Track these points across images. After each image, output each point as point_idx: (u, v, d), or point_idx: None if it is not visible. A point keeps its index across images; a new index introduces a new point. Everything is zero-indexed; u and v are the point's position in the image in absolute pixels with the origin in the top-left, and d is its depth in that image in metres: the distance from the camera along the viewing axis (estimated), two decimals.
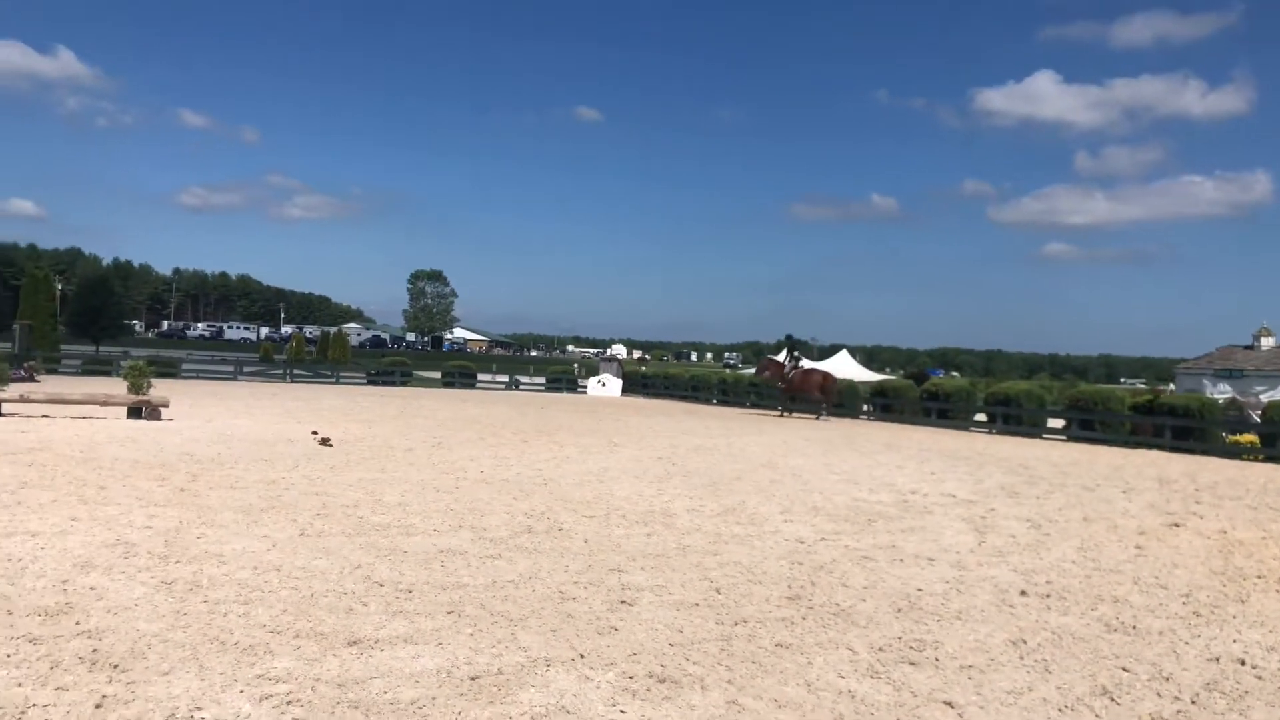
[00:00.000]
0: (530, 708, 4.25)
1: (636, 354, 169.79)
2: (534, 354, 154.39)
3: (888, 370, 79.22)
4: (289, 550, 7.16)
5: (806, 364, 35.34)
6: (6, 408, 17.49)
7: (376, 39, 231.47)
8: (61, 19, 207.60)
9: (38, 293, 44.08)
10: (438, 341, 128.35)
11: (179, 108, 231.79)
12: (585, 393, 42.72)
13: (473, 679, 4.56)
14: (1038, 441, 24.46)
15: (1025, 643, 5.69)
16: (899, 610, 6.34)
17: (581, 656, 5.01)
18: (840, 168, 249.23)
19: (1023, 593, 7.00)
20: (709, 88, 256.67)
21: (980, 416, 28.94)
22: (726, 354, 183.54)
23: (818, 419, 29.80)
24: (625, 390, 42.89)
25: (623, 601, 6.18)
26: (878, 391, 33.50)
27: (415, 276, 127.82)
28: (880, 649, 5.45)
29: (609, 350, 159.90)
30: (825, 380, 31.45)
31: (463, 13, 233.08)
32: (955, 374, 79.69)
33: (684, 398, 40.35)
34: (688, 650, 5.22)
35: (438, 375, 45.98)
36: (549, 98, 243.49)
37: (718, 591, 6.61)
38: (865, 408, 32.53)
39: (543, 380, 46.56)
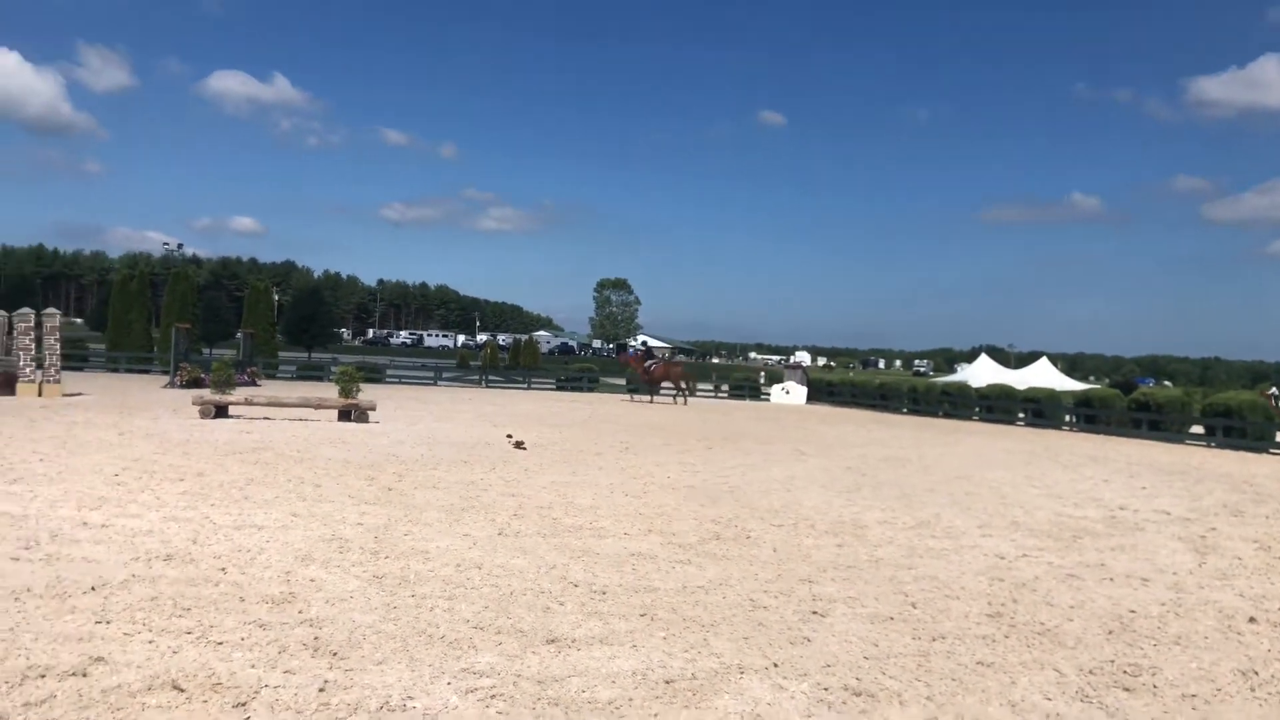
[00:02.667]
0: (725, 714, 4.25)
1: (821, 361, 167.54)
2: (716, 360, 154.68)
3: (1091, 379, 74.96)
4: (488, 549, 7.44)
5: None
6: (233, 410, 18.96)
7: (566, 55, 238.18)
8: (278, 48, 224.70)
9: (258, 303, 47.55)
10: (622, 348, 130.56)
11: (382, 126, 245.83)
12: (769, 400, 42.43)
13: (668, 682, 4.60)
14: (1264, 457, 22.54)
15: (1257, 674, 5.26)
16: (1110, 632, 5.98)
17: (775, 665, 4.97)
18: (1036, 166, 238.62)
19: (1251, 619, 6.47)
20: (897, 87, 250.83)
21: (1197, 429, 26.93)
22: (916, 361, 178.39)
23: (675, 402, 35.69)
24: (810, 398, 42.31)
25: (814, 612, 6.10)
26: (1081, 401, 31.71)
27: (601, 285, 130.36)
28: (1090, 672, 5.16)
29: (793, 357, 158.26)
30: (679, 370, 38.39)
31: (646, 24, 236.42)
32: (1167, 383, 74.48)
33: (872, 406, 39.44)
34: (883, 664, 5.10)
35: (623, 381, 46.74)
36: (733, 104, 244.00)
37: (913, 606, 6.42)
38: (1067, 419, 30.89)
39: (726, 387, 46.56)
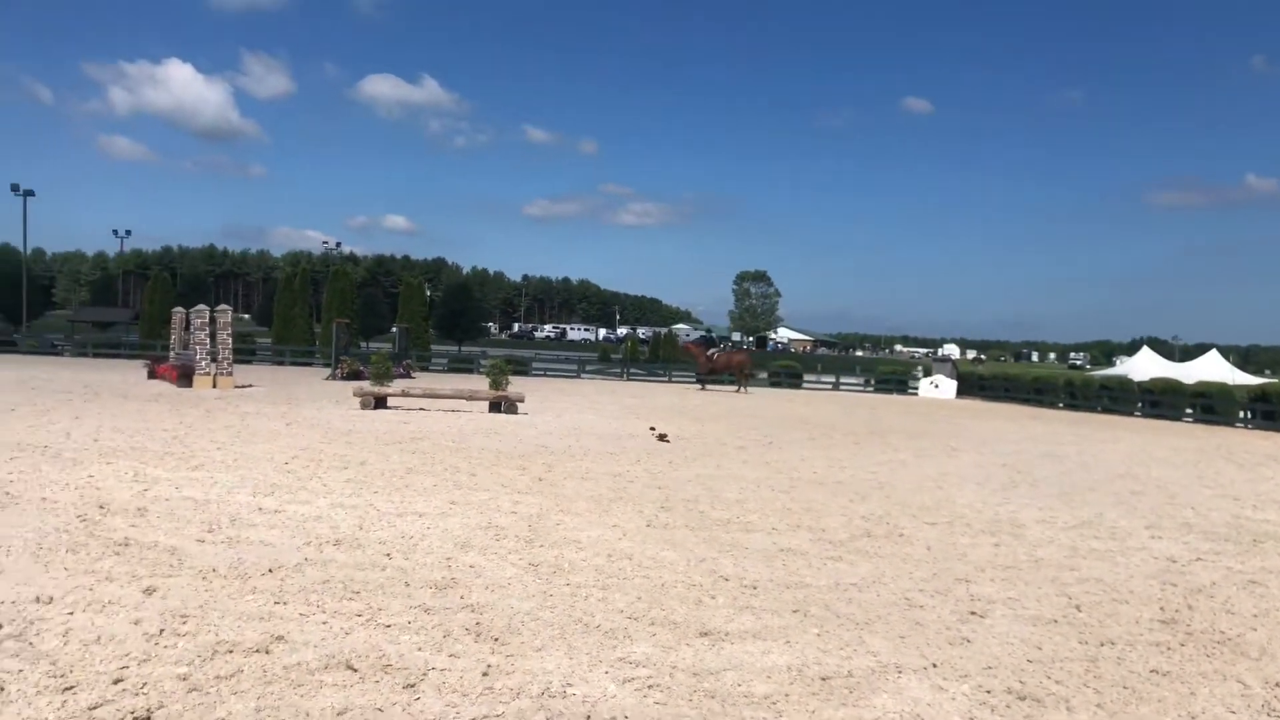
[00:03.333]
0: (884, 713, 4.18)
1: (970, 354, 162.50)
2: (859, 354, 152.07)
3: (1267, 373, 70.24)
4: (638, 540, 7.52)
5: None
6: (391, 401, 19.74)
7: (703, 49, 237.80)
8: (427, 52, 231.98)
9: (412, 299, 49.34)
10: (762, 341, 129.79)
11: (525, 124, 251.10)
12: (916, 394, 41.42)
13: (823, 679, 4.56)
14: None
15: None
16: None
17: (934, 666, 4.86)
18: (1206, 148, 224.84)
19: None
20: (1050, 69, 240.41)
21: None
22: (1072, 354, 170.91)
23: (738, 391, 35.83)
24: (960, 392, 41.08)
25: (973, 613, 5.93)
26: (1258, 396, 29.74)
27: (740, 278, 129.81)
28: (1278, 685, 4.84)
29: (940, 350, 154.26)
30: (743, 359, 38.34)
31: (784, 13, 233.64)
32: None
33: (1025, 401, 38.01)
34: (1049, 668, 4.91)
35: (764, 375, 46.45)
36: (876, 91, 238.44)
37: (1078, 609, 6.16)
38: (1242, 415, 29.04)
39: (871, 381, 45.70)
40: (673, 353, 67.07)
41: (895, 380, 44.55)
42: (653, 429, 17.17)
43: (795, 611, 5.72)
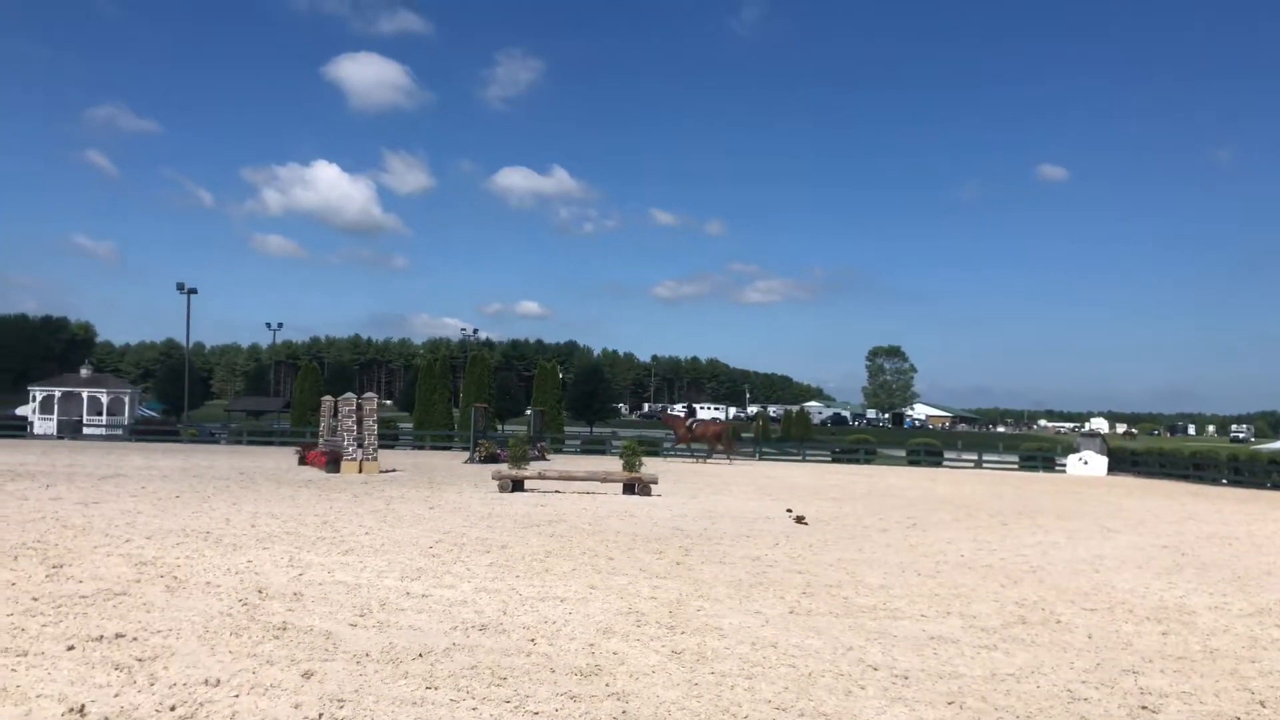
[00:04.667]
0: None
1: (1121, 428, 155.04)
2: (1001, 430, 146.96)
3: None
4: (781, 627, 7.37)
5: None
6: (528, 484, 20.05)
7: (827, 124, 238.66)
8: (556, 142, 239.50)
9: (546, 382, 50.35)
10: (898, 418, 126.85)
11: (652, 208, 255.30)
12: (1064, 471, 39.65)
13: None
14: None
15: None
16: None
17: None
18: None
19: None
20: (1194, 129, 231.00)
21: None
22: (1234, 426, 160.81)
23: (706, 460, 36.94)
24: (1111, 469, 39.14)
25: (1144, 707, 5.57)
26: None
27: (873, 353, 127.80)
28: None
29: (1088, 424, 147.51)
30: (719, 429, 39.24)
31: (912, 88, 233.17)
32: None
33: (1184, 477, 35.91)
34: None
35: (902, 453, 45.33)
36: (1008, 160, 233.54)
37: (1262, 704, 5.72)
38: None
39: (1014, 458, 44.02)
40: (805, 431, 66.24)
41: (1041, 457, 42.83)
42: (790, 510, 16.92)
43: (950, 703, 5.49)
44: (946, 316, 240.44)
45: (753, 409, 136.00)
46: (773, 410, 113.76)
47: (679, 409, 50.50)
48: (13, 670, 5.27)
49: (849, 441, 48.66)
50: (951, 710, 5.37)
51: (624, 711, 5.06)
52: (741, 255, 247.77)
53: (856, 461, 42.08)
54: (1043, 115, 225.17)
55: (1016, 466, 42.38)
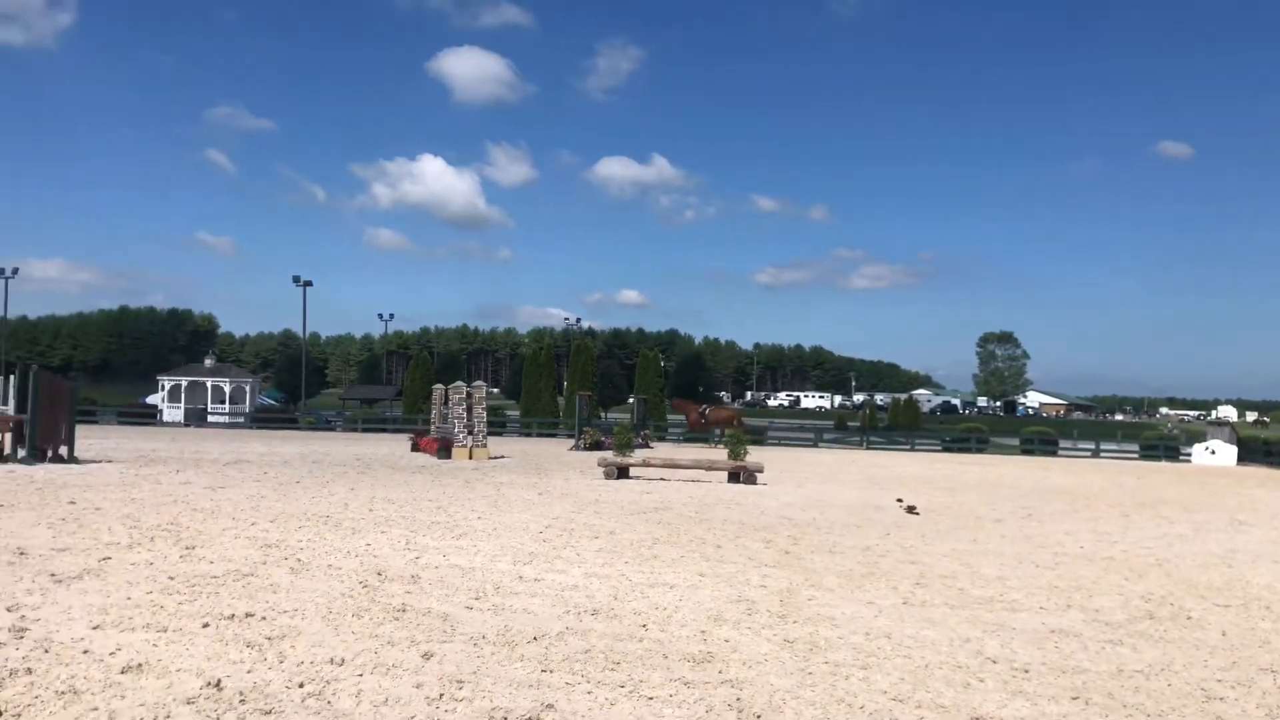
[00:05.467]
0: None
1: (1251, 416, 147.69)
2: (1119, 418, 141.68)
3: None
4: (895, 618, 7.26)
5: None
6: (633, 471, 20.17)
7: (934, 104, 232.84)
8: (656, 131, 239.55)
9: (648, 370, 50.58)
10: (1010, 406, 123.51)
11: (753, 194, 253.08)
12: (1189, 461, 38.00)
13: None
14: None
15: None
16: None
17: None
18: None
19: None
20: None
21: None
22: None
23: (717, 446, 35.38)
24: (1241, 459, 37.34)
25: None
26: None
27: (984, 339, 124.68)
28: None
29: (1215, 412, 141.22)
30: (730, 416, 39.25)
31: (1022, 61, 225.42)
32: None
33: None
34: None
35: (1014, 441, 44.10)
36: (1127, 137, 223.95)
37: None
38: None
39: (1135, 447, 42.38)
40: (914, 419, 65.05)
41: (1164, 446, 41.13)
42: (900, 500, 16.63)
43: (1075, 699, 5.31)
44: (1060, 301, 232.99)
45: (859, 397, 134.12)
46: (880, 399, 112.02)
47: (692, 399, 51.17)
48: (154, 645, 5.54)
49: (960, 430, 47.60)
50: (1076, 706, 5.20)
51: (738, 699, 5.04)
52: (846, 241, 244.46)
53: (968, 451, 41.12)
54: (1164, 89, 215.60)
55: (1137, 456, 40.78)
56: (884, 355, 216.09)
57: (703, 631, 6.55)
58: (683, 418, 42.95)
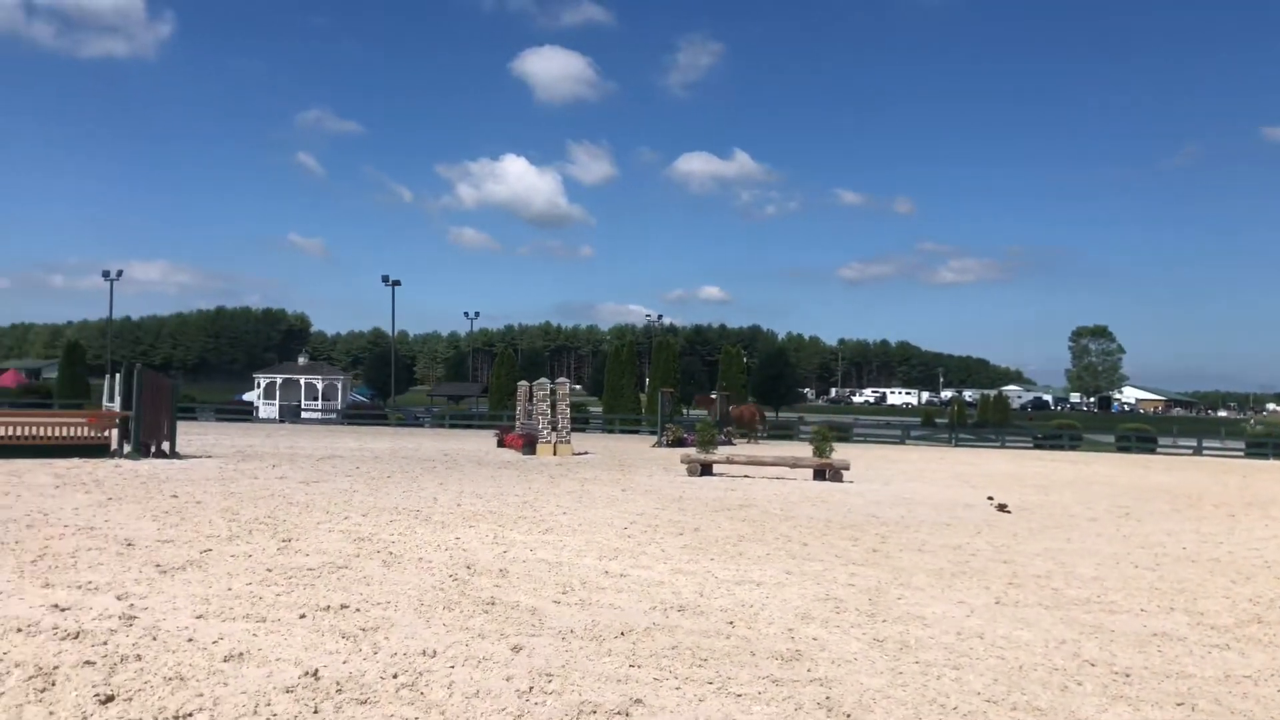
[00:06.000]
0: None
1: None
2: (1223, 414, 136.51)
3: None
4: (987, 618, 7.10)
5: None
6: (716, 468, 20.12)
7: (1022, 92, 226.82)
8: (737, 125, 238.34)
9: (731, 367, 50.49)
10: (1105, 402, 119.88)
11: (837, 189, 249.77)
12: None
13: None
14: None
15: None
16: None
17: None
18: None
19: None
20: None
21: None
22: None
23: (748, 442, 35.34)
24: None
25: None
26: None
27: (1077, 334, 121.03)
28: None
29: None
30: (753, 411, 38.78)
31: (1118, 48, 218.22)
32: None
33: None
34: None
35: (1110, 439, 42.84)
36: (1227, 122, 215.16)
37: None
38: None
39: (1240, 444, 40.78)
40: (1004, 416, 63.62)
41: (1273, 444, 39.48)
42: (990, 498, 16.28)
43: (1180, 705, 5.13)
44: (1157, 294, 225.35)
45: (947, 393, 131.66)
46: (968, 395, 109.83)
47: (713, 391, 51.26)
48: (254, 635, 5.72)
49: (1052, 427, 46.45)
50: (1181, 712, 5.02)
51: (827, 697, 4.99)
52: (932, 234, 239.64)
53: (1060, 448, 40.07)
54: (1264, 73, 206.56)
55: (1242, 454, 39.25)
56: (973, 351, 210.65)
57: (790, 629, 6.49)
58: (771, 414, 42.83)
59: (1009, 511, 14.51)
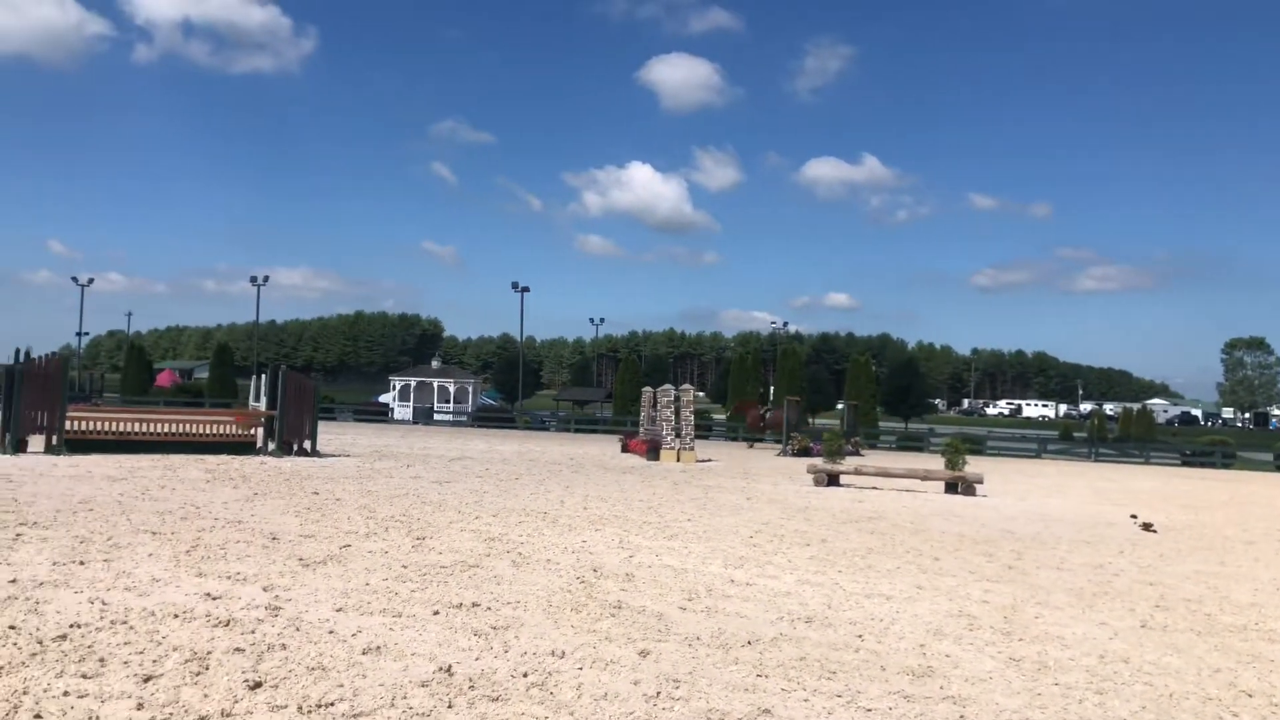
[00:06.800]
0: None
1: None
2: None
3: None
4: (1133, 641, 6.77)
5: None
6: (844, 479, 19.80)
7: (1164, 87, 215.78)
8: (866, 130, 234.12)
9: (859, 376, 49.59)
10: (1262, 418, 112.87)
11: (970, 193, 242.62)
12: None
13: None
14: None
15: None
16: None
17: None
18: None
19: None
20: None
21: None
22: None
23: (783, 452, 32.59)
24: None
25: None
26: None
27: (1231, 345, 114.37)
28: None
29: None
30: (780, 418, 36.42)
31: (1254, 33, 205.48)
32: None
33: None
34: None
35: (1267, 457, 40.39)
36: None
37: None
38: None
39: None
40: (1147, 431, 60.68)
41: None
42: (1134, 516, 15.54)
43: None
44: None
45: (1086, 406, 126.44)
46: (1109, 408, 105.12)
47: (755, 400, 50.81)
48: (390, 629, 5.90)
49: (1202, 443, 44.05)
50: None
51: (961, 716, 4.84)
52: (1071, 239, 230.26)
53: (1211, 466, 38.00)
54: None
55: None
56: (1114, 362, 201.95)
57: (921, 645, 6.33)
58: (900, 425, 41.95)
59: (1155, 531, 13.82)
